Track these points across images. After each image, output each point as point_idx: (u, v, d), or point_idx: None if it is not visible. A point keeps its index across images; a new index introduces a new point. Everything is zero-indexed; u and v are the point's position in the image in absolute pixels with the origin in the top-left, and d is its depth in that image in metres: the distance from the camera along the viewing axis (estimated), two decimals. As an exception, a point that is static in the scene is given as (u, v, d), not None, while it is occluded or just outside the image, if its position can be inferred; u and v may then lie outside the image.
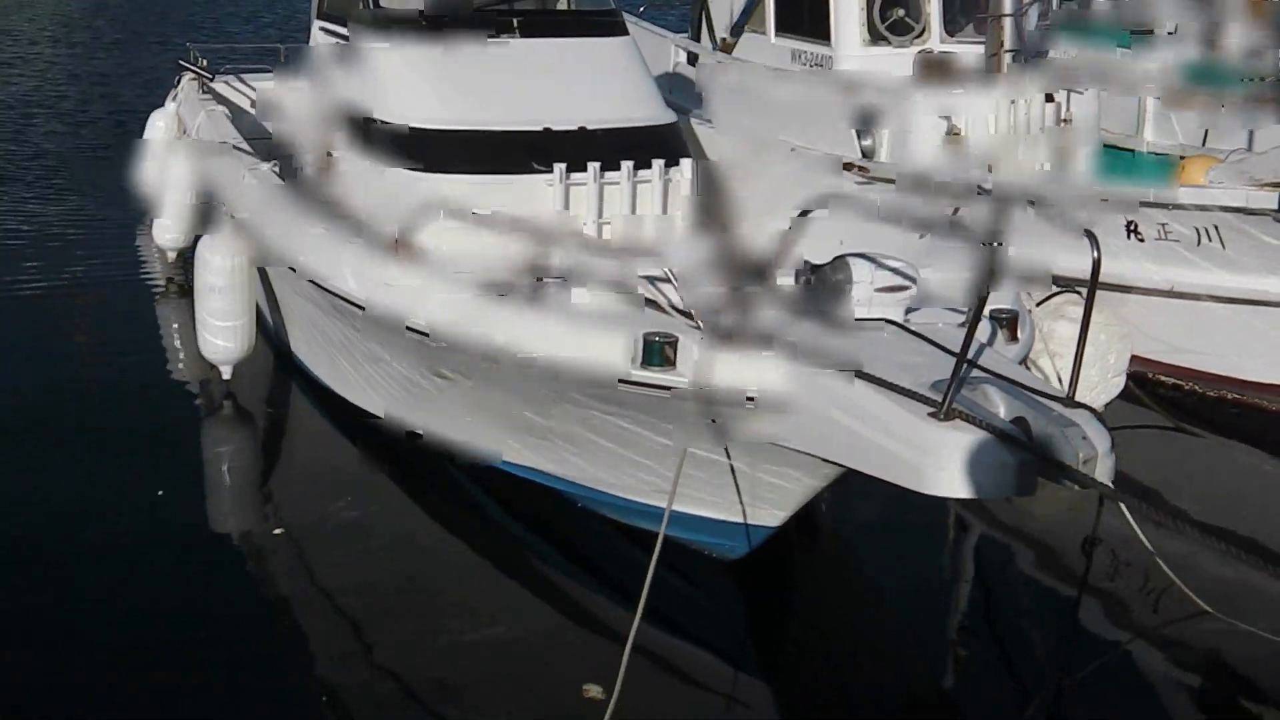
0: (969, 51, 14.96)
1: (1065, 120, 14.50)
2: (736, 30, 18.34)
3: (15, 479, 9.93)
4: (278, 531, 9.28)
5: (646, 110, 11.47)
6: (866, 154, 14.11)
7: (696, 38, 19.98)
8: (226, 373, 11.38)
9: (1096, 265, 6.41)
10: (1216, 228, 11.17)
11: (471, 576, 8.90)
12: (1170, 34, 19.52)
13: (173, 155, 14.37)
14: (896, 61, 15.18)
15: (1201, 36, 19.18)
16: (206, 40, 21.48)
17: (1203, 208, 11.11)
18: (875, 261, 7.46)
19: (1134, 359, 11.22)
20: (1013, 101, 14.06)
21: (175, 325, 13.49)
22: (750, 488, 7.90)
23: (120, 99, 25.49)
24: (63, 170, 19.93)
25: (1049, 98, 14.27)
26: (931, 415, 6.16)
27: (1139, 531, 8.21)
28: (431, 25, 11.42)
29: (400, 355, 9.05)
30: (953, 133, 13.98)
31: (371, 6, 11.77)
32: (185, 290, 14.49)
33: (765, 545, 8.33)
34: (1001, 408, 6.34)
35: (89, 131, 22.67)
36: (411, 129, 10.90)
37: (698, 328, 7.15)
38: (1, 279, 14.55)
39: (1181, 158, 14.50)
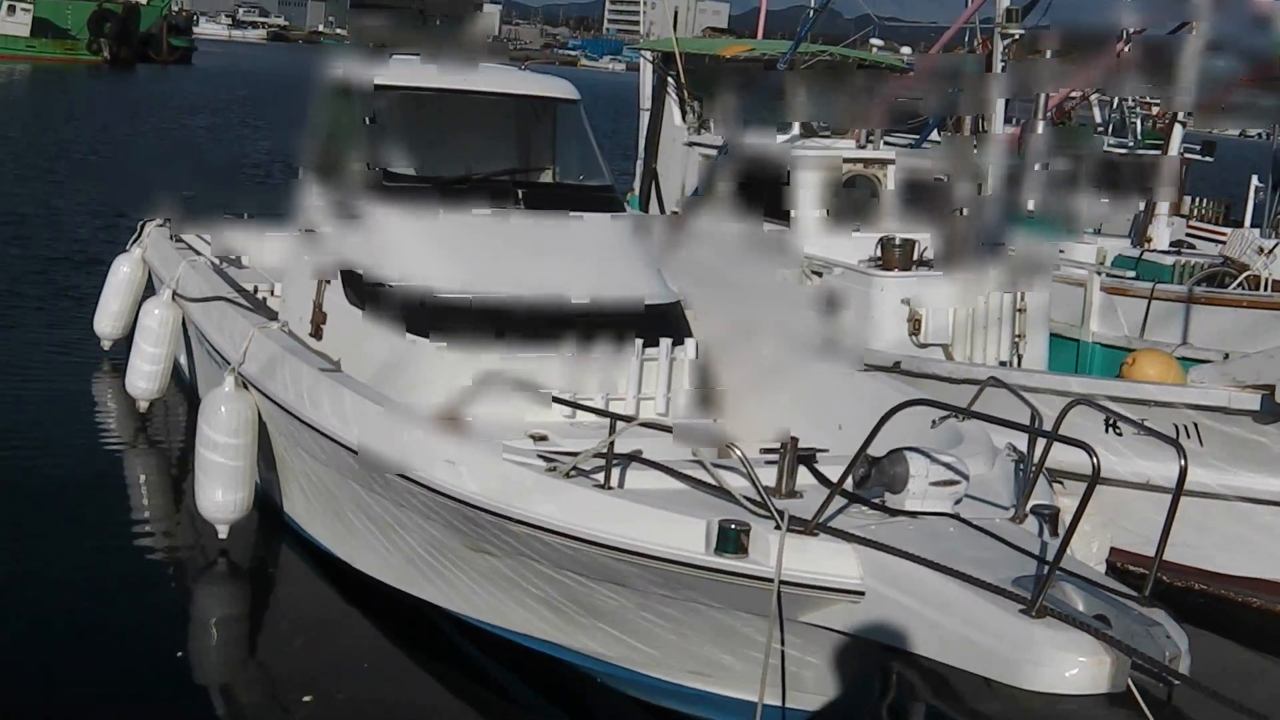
0: (925, 237, 15.44)
1: (1021, 310, 15.09)
2: (689, 205, 18.76)
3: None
4: (307, 699, 9.26)
5: (652, 288, 11.73)
6: (831, 336, 14.51)
7: (645, 208, 20.45)
8: (223, 532, 11.33)
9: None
10: (1196, 425, 11.66)
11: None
12: (1096, 231, 20.47)
13: (152, 305, 14.39)
14: (853, 246, 15.68)
15: (1130, 230, 20.17)
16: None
17: (1186, 405, 11.60)
18: (930, 456, 7.75)
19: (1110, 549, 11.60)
20: (972, 290, 14.62)
21: (154, 478, 13.41)
22: (796, 672, 8.08)
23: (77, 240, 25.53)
24: (19, 308, 19.83)
25: (1006, 287, 14.84)
26: (1023, 612, 6.43)
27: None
28: (440, 193, 11.66)
29: (438, 527, 9.15)
30: (914, 318, 14.49)
31: (376, 170, 11.93)
32: (154, 442, 14.55)
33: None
34: (1081, 604, 6.63)
35: (49, 272, 22.54)
36: (419, 294, 11.04)
37: (770, 516, 7.36)
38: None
39: (1129, 350, 15.14)
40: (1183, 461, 6.78)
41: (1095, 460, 6.65)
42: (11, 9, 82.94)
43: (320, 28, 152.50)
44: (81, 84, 71.64)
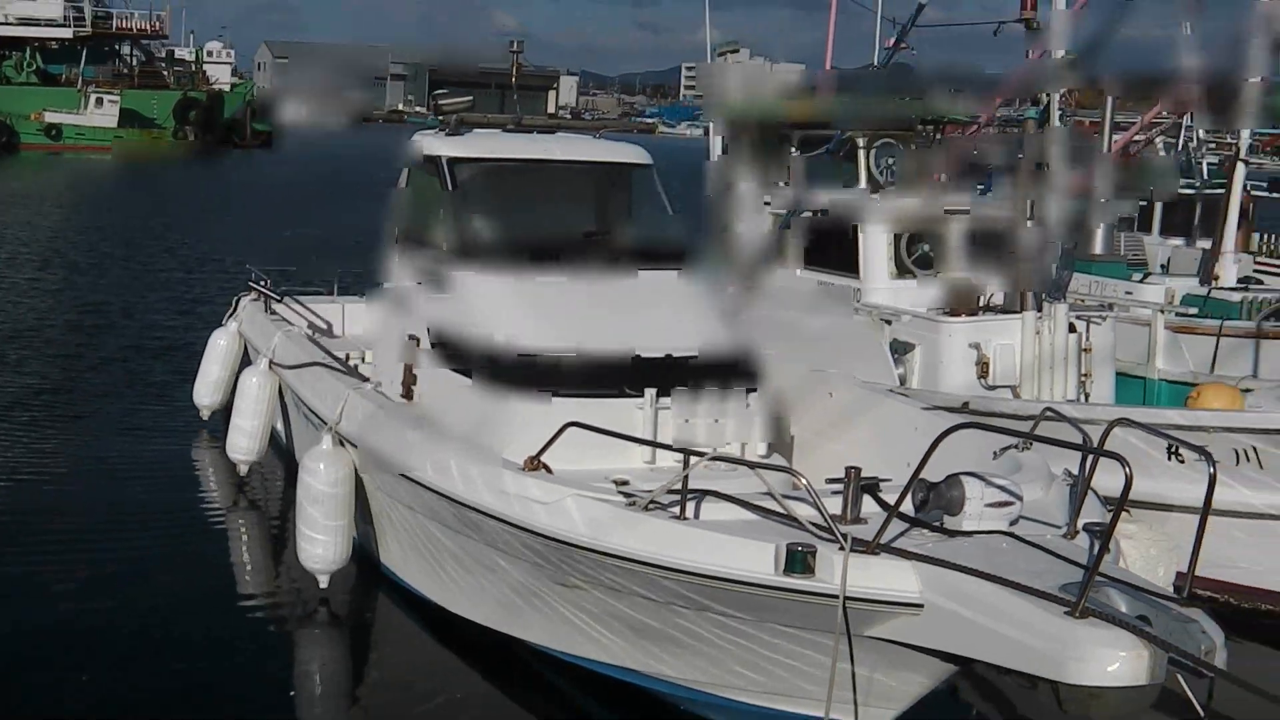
0: (991, 284, 15.89)
1: (1086, 349, 15.53)
2: (759, 261, 19.30)
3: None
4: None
5: (726, 339, 12.24)
6: (901, 380, 15.02)
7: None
8: (324, 581, 12.00)
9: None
10: (1255, 449, 12.06)
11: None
12: (1162, 268, 20.83)
13: (250, 374, 15.15)
14: (920, 294, 16.21)
15: (1197, 269, 20.51)
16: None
17: (1243, 430, 11.99)
18: (985, 480, 8.26)
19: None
20: (1038, 332, 15.09)
21: (256, 535, 14.14)
22: (864, 688, 8.58)
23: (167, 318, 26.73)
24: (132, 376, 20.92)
25: (1071, 327, 15.29)
26: (1068, 613, 6.93)
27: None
28: (522, 256, 12.30)
29: (528, 567, 9.75)
30: (982, 361, 14.97)
31: (462, 238, 12.58)
32: (254, 503, 15.29)
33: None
34: (1124, 606, 7.13)
35: (147, 346, 23.59)
36: (506, 351, 11.64)
37: (835, 539, 7.90)
38: (80, 488, 15.17)
39: (1194, 385, 15.51)
40: (1211, 469, 7.27)
41: (1128, 470, 7.14)
42: (100, 101, 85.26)
43: (400, 106, 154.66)
44: (171, 172, 73.54)
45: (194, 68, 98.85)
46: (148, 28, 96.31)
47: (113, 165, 76.31)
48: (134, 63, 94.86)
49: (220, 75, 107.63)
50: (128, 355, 22.71)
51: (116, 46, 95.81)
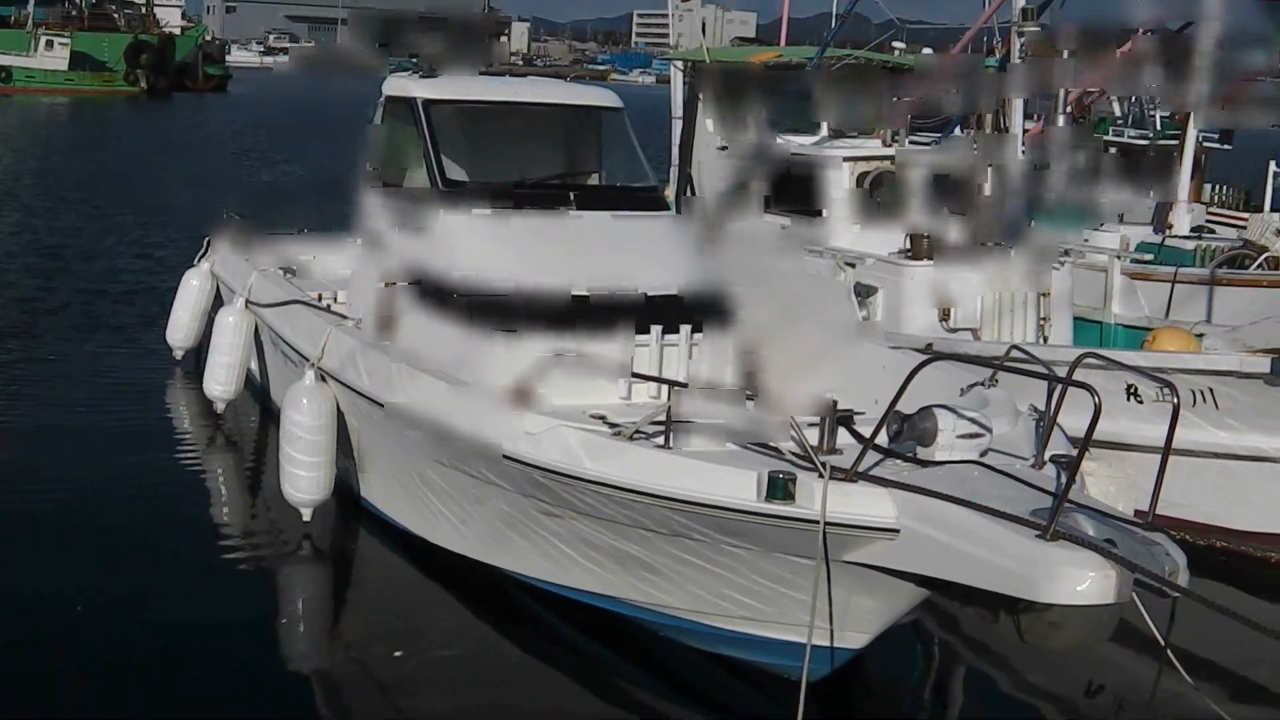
0: (951, 229, 16.27)
1: (1044, 294, 15.94)
2: (723, 206, 19.61)
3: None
4: (398, 654, 10.21)
5: (700, 279, 12.51)
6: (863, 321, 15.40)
7: (679, 212, 21.31)
8: (307, 514, 12.31)
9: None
10: (1211, 390, 12.48)
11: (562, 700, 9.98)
12: (1119, 220, 21.27)
13: (227, 313, 15.38)
14: (883, 239, 16.55)
15: (1153, 218, 20.98)
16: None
17: (1200, 371, 12.41)
18: (956, 412, 8.63)
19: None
20: (997, 276, 15.49)
21: (236, 471, 14.44)
22: (841, 613, 8.96)
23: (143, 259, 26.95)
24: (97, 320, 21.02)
25: (1030, 272, 15.70)
26: (1039, 536, 7.32)
27: (1186, 676, 9.27)
28: (497, 198, 12.53)
29: (514, 497, 10.08)
30: (943, 305, 15.37)
31: (437, 179, 12.78)
32: (231, 440, 15.55)
33: (845, 667, 9.36)
34: (1091, 530, 7.52)
35: (109, 290, 23.62)
36: (482, 291, 11.86)
37: (815, 468, 8.26)
38: (55, 426, 15.38)
39: (1149, 329, 15.95)
40: (1176, 400, 7.68)
41: (1097, 399, 7.51)
42: (50, 43, 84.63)
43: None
44: (122, 114, 73.19)
45: (144, 10, 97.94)
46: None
47: (65, 107, 75.79)
48: (84, 5, 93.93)
49: (170, 19, 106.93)
50: (90, 299, 22.65)
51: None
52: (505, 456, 9.63)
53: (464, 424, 10.08)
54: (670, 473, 8.68)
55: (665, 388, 10.97)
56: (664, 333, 11.74)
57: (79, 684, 9.59)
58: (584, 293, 11.65)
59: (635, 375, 10.95)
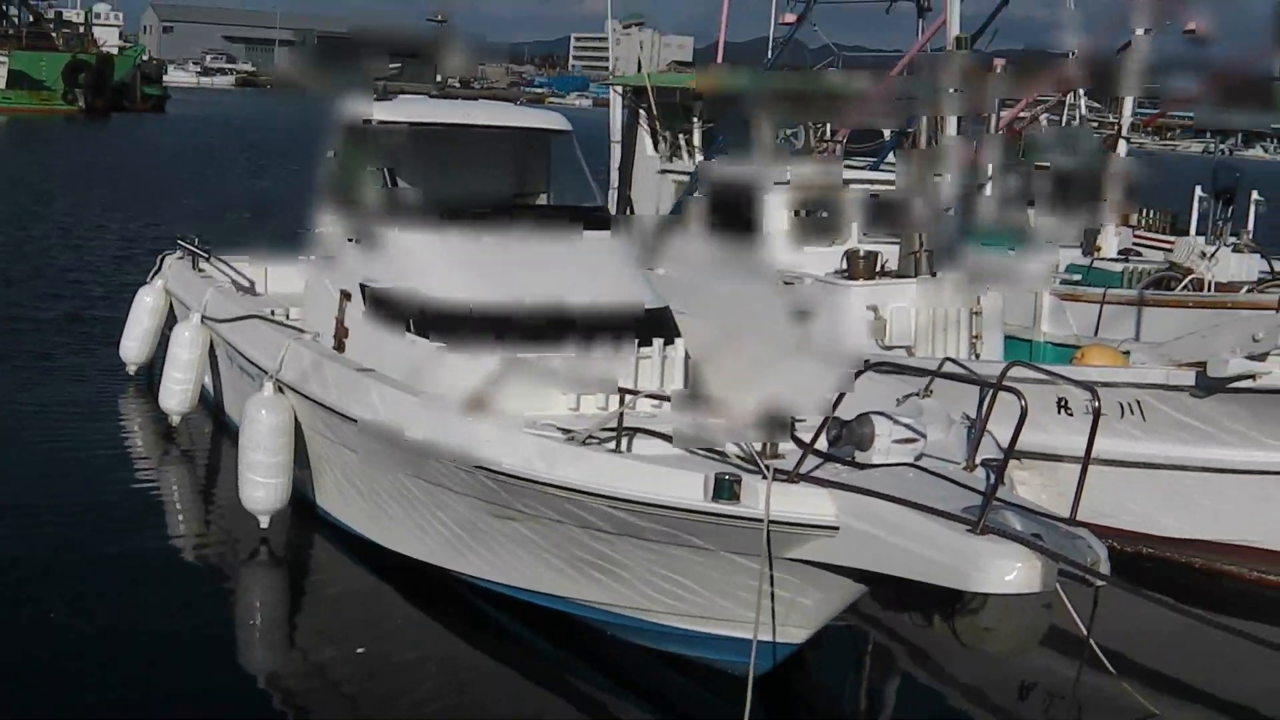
0: (887, 249, 16.83)
1: (976, 312, 16.52)
2: (663, 226, 20.07)
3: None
4: (360, 650, 10.60)
5: (645, 295, 13.00)
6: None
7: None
8: (265, 522, 12.66)
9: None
10: (1139, 403, 13.07)
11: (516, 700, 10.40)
12: (1048, 241, 21.88)
13: (183, 328, 15.73)
14: (821, 259, 17.08)
15: (1079, 241, 21.61)
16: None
17: (1128, 384, 12.99)
18: (892, 418, 9.14)
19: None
20: (931, 295, 16.06)
21: (192, 482, 14.80)
22: (783, 609, 9.44)
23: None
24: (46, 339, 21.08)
25: (962, 292, 16.28)
26: (969, 531, 7.84)
27: (1110, 668, 9.78)
28: (448, 216, 12.95)
29: (468, 502, 10.51)
30: (878, 321, 15.92)
31: (389, 198, 13.20)
32: (186, 452, 15.89)
33: (787, 661, 9.84)
34: (1019, 525, 8.06)
35: (57, 307, 23.67)
36: (433, 304, 12.26)
37: (759, 471, 8.76)
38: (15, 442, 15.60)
39: (1078, 347, 16.54)
40: (1097, 404, 8.21)
41: (1023, 403, 8.06)
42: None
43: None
44: (60, 133, 73.00)
45: (82, 30, 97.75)
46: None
47: (2, 127, 75.50)
48: (21, 24, 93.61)
49: (108, 38, 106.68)
50: (39, 319, 22.55)
51: (4, 7, 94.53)
52: (478, 467, 10.04)
53: (427, 431, 10.49)
54: (624, 475, 9.16)
55: (613, 398, 11.51)
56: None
57: (32, 691, 9.79)
58: (530, 306, 12.09)
59: (623, 390, 11.39)
